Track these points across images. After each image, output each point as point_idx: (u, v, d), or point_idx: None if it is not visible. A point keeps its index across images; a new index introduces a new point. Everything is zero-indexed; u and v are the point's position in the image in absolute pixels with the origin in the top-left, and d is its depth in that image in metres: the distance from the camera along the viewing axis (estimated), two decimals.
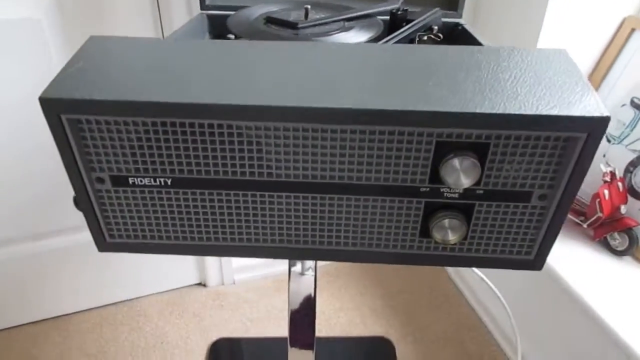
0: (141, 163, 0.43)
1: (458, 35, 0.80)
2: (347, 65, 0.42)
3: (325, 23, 0.63)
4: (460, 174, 0.41)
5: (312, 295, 0.79)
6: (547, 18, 0.91)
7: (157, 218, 0.47)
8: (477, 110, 0.37)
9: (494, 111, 0.37)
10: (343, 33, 0.60)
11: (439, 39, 0.76)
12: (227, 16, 0.83)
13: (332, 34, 0.60)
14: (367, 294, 1.35)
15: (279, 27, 0.61)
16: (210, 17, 0.82)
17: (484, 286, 1.24)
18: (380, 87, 0.40)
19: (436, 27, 0.74)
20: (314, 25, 0.62)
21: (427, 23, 0.73)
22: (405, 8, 0.74)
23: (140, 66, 0.42)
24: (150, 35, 0.98)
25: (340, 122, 0.39)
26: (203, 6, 0.83)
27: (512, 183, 0.42)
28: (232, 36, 0.60)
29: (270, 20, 0.63)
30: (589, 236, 1.00)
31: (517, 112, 0.37)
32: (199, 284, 1.37)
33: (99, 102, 0.38)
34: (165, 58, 0.43)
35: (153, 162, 0.43)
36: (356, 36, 0.60)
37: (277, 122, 0.40)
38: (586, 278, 0.92)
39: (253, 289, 1.36)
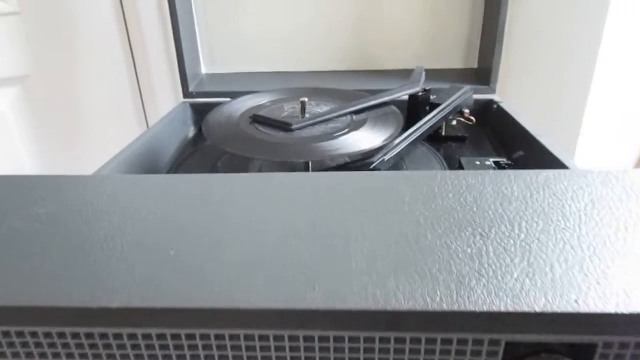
0: None
1: (494, 117, 0.65)
2: (341, 219, 0.28)
3: (328, 119, 0.49)
4: None
5: None
6: (593, 90, 0.76)
7: None
8: (581, 309, 0.22)
9: (609, 309, 0.22)
10: (352, 133, 0.46)
11: (471, 123, 0.62)
12: (213, 105, 0.70)
13: (337, 136, 0.46)
14: None
15: (268, 128, 0.48)
16: (194, 106, 0.70)
17: None
18: (399, 258, 0.25)
19: (467, 110, 0.60)
20: (314, 124, 0.48)
21: (457, 106, 0.58)
22: (426, 88, 0.61)
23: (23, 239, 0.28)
24: (133, 126, 0.86)
25: (338, 328, 0.24)
26: (186, 93, 0.71)
27: None
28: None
29: (257, 119, 0.49)
30: None
31: None
32: None
33: None
34: (66, 222, 0.29)
35: None
36: (371, 136, 0.46)
37: (250, 330, 0.25)
38: None
39: None
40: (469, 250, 0.25)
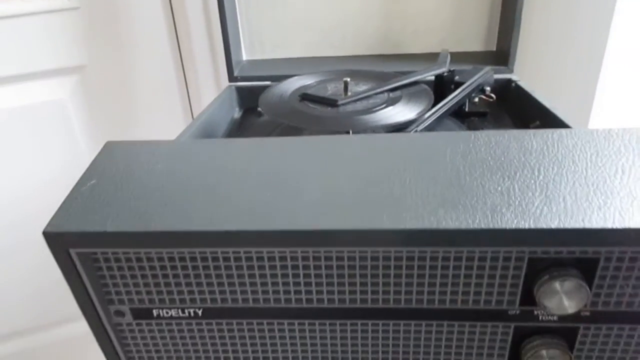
0: (167, 293, 0.36)
1: (512, 94, 0.72)
2: (395, 168, 0.35)
3: (368, 96, 0.56)
4: (563, 298, 0.32)
5: None
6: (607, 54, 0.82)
7: (187, 352, 0.39)
8: (586, 225, 0.29)
9: (607, 225, 0.29)
10: (389, 108, 0.54)
11: (491, 99, 0.68)
12: (256, 88, 0.78)
13: (376, 110, 0.53)
14: None
15: (316, 104, 0.55)
16: (239, 90, 0.78)
17: None
18: (446, 195, 0.32)
19: (488, 88, 0.67)
20: (356, 100, 0.55)
21: (478, 85, 0.65)
22: (451, 69, 0.67)
23: (159, 184, 0.36)
24: (178, 112, 0.94)
25: (402, 245, 0.31)
26: (231, 78, 0.78)
27: (629, 302, 0.33)
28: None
29: (306, 97, 0.57)
30: None
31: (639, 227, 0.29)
32: None
33: (112, 234, 0.32)
34: (185, 172, 0.37)
35: (180, 292, 0.36)
36: (405, 110, 0.53)
37: (318, 248, 0.32)
38: None
39: None
40: (499, 188, 0.32)
